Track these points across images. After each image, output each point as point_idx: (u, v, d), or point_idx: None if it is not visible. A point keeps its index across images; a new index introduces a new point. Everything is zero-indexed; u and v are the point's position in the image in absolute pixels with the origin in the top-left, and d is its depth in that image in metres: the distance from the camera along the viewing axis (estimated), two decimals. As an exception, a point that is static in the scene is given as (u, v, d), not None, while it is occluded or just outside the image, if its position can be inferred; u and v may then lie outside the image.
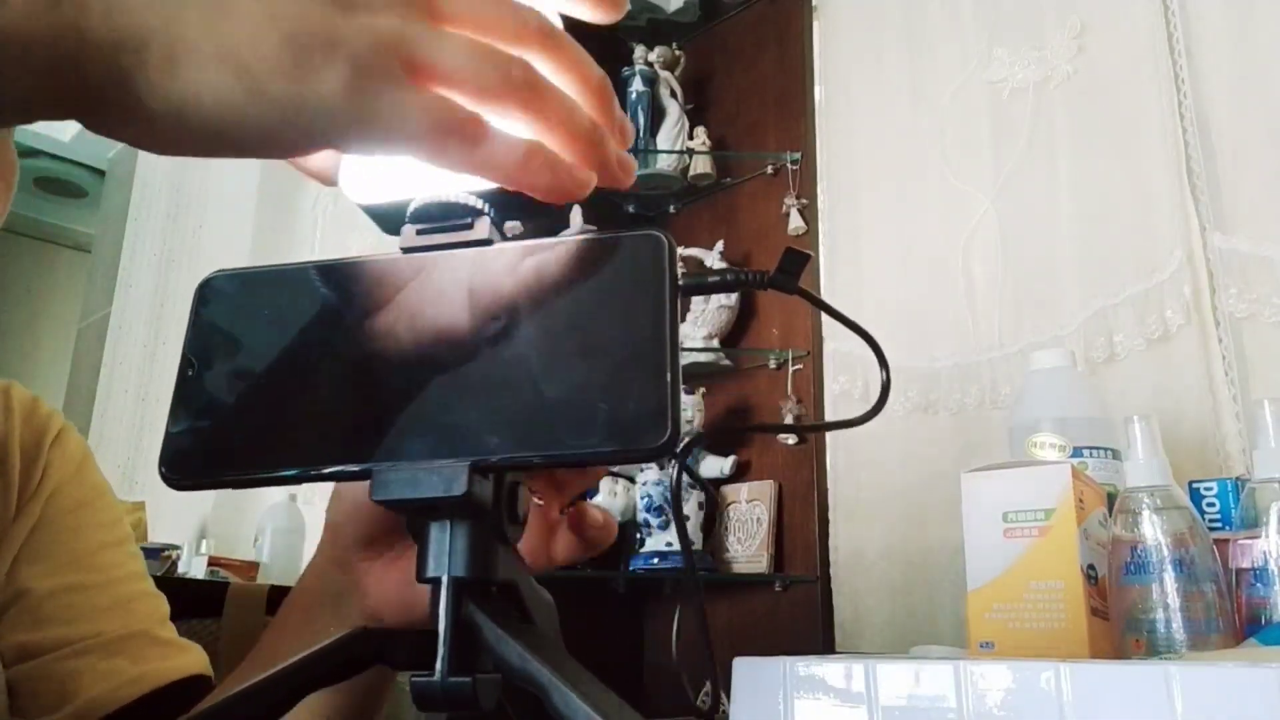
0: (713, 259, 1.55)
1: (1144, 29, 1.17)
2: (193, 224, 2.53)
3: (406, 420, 0.29)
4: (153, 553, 1.48)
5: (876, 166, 1.44)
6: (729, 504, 1.49)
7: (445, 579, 0.29)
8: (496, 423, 0.28)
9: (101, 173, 3.12)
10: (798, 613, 1.38)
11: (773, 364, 1.48)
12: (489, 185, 0.31)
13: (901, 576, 1.28)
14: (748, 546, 1.44)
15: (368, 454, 0.29)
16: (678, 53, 1.70)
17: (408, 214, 0.32)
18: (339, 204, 2.32)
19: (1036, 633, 0.69)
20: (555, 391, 0.28)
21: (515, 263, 0.30)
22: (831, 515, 1.38)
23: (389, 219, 0.33)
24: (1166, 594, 0.69)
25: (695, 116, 1.67)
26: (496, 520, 0.30)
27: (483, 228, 0.31)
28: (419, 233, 0.32)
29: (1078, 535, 0.71)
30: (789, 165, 1.54)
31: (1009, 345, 1.24)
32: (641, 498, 1.45)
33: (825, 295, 1.43)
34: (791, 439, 1.43)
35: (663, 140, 1.63)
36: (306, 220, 2.39)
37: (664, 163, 1.62)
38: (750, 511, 1.46)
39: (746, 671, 0.60)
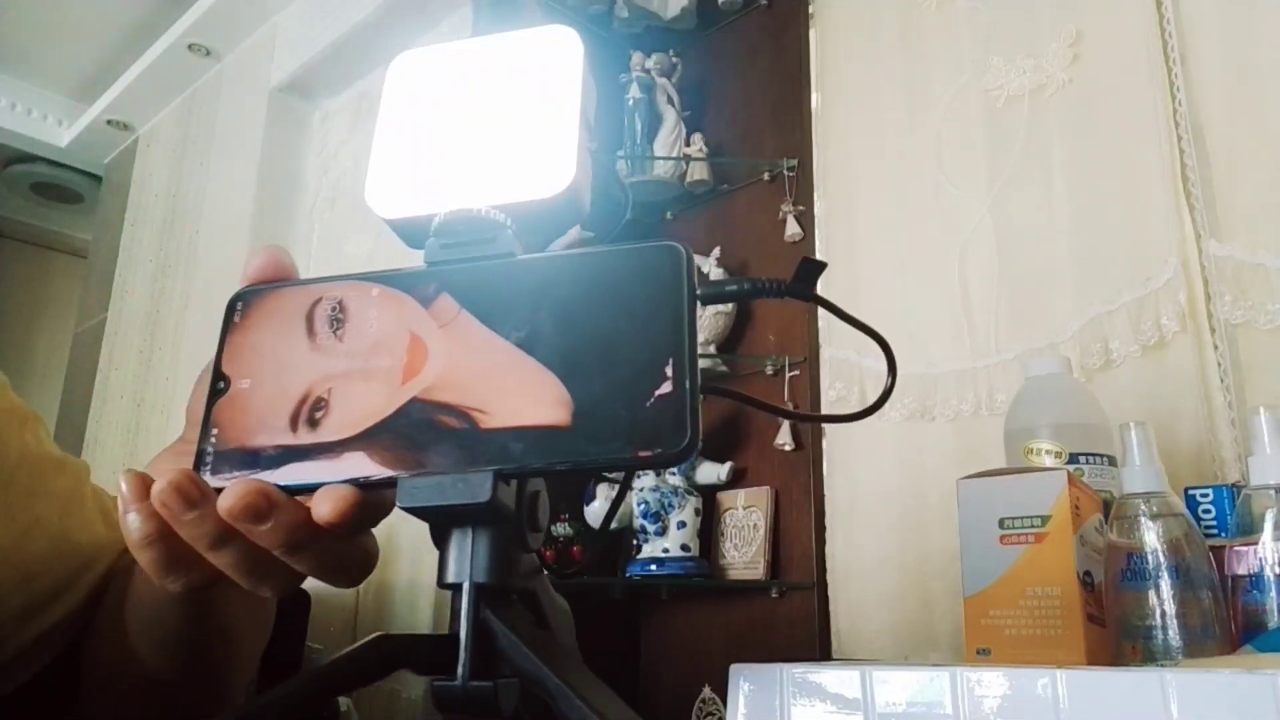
0: (709, 265, 1.55)
1: (1139, 37, 1.18)
2: (189, 230, 2.53)
3: (432, 429, 0.29)
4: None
5: (873, 173, 1.45)
6: (725, 510, 1.49)
7: (467, 585, 0.30)
8: (520, 431, 0.29)
9: (98, 178, 3.12)
10: (795, 619, 1.38)
11: (769, 370, 1.48)
12: (512, 199, 0.32)
13: (898, 583, 1.28)
14: (744, 553, 1.44)
15: (395, 462, 0.29)
16: (675, 59, 1.71)
17: (432, 228, 0.33)
18: (335, 210, 2.32)
19: (1033, 639, 0.69)
20: (578, 398, 0.29)
21: (537, 274, 0.31)
22: (828, 521, 1.38)
23: (413, 233, 0.34)
24: (1163, 601, 0.69)
25: (692, 123, 1.68)
26: (518, 527, 0.30)
27: (505, 241, 0.32)
28: (443, 246, 0.33)
29: (1074, 542, 0.71)
30: (786, 172, 1.55)
31: (1005, 352, 1.24)
32: (638, 504, 1.45)
33: (822, 302, 1.43)
34: (789, 446, 1.43)
35: (659, 147, 1.63)
36: (303, 227, 2.39)
37: (661, 169, 1.62)
38: (747, 518, 1.46)
39: (744, 678, 0.60)
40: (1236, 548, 0.71)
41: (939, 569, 1.22)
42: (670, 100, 1.66)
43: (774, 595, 1.40)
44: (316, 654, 1.58)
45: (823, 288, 1.30)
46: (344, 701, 1.51)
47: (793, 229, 1.50)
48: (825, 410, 1.40)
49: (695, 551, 1.45)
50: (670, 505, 1.44)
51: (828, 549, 1.37)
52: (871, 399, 1.58)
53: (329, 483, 0.30)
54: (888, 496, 1.32)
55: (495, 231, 0.32)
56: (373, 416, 0.30)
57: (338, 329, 0.32)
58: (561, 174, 0.32)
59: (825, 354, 1.43)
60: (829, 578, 1.35)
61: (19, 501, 0.49)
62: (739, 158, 1.65)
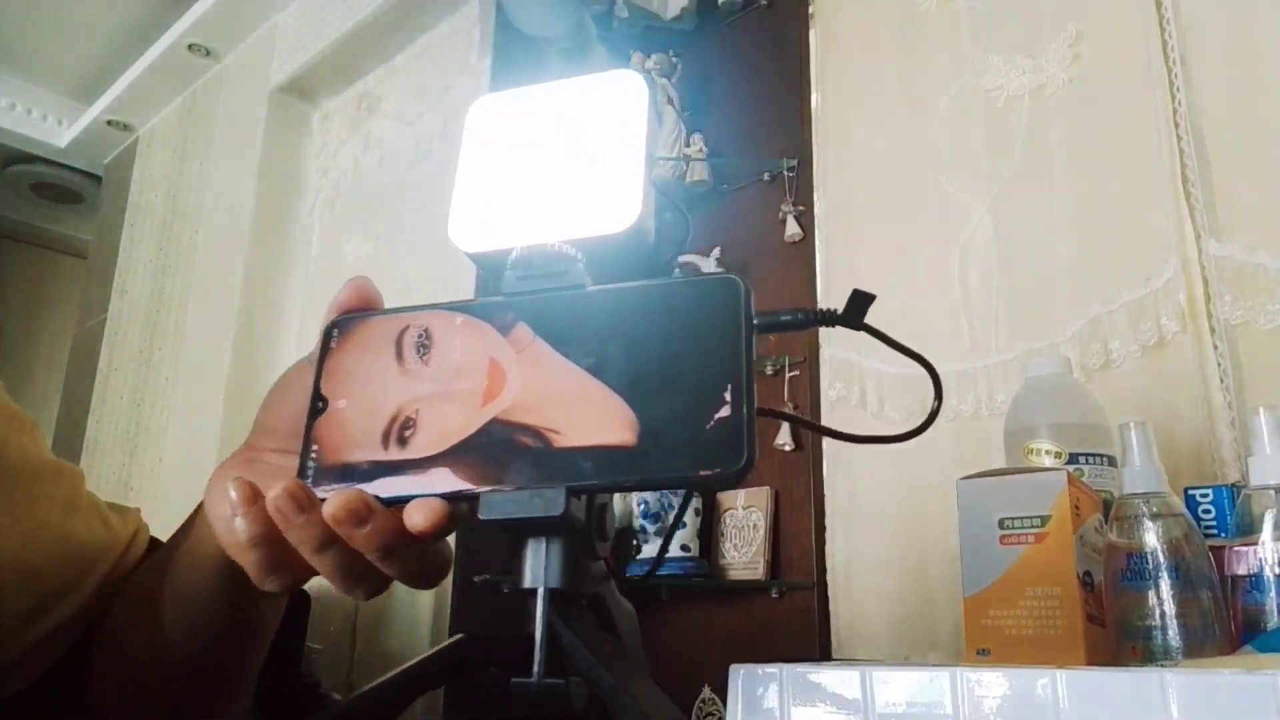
0: (709, 265, 1.55)
1: (1139, 37, 1.18)
2: (189, 230, 2.53)
3: (510, 447, 0.32)
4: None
5: (873, 173, 1.45)
6: (725, 510, 1.49)
7: (541, 590, 0.32)
8: (590, 450, 0.31)
9: (98, 178, 3.12)
10: (795, 619, 1.38)
11: (769, 370, 1.48)
12: (582, 234, 0.36)
13: (898, 583, 1.28)
14: (744, 553, 1.44)
15: (476, 477, 0.32)
16: (675, 59, 1.71)
17: (509, 261, 0.36)
18: (335, 210, 2.32)
19: (1033, 639, 0.69)
20: (644, 420, 0.31)
21: (606, 305, 0.34)
22: (828, 522, 1.38)
23: (492, 265, 0.37)
24: (1163, 601, 0.69)
25: (692, 123, 1.68)
26: (587, 538, 0.34)
27: (576, 273, 0.35)
28: (519, 278, 0.35)
29: (1074, 542, 0.71)
30: (786, 172, 1.55)
31: (1005, 352, 1.24)
32: (638, 504, 1.45)
33: (822, 301, 1.43)
34: (789, 446, 1.43)
35: (659, 147, 1.63)
36: (303, 226, 2.39)
37: (661, 169, 1.62)
38: (747, 518, 1.46)
39: (744, 678, 0.60)
40: (1236, 548, 0.71)
41: (939, 569, 1.22)
42: (670, 100, 1.66)
43: (774, 595, 1.40)
44: (316, 654, 1.58)
45: (822, 287, 1.29)
46: (344, 701, 1.51)
47: (793, 229, 1.51)
48: (825, 411, 1.40)
49: (695, 551, 1.45)
50: (670, 505, 1.44)
51: (828, 549, 1.37)
52: (871, 399, 1.57)
53: (419, 495, 0.32)
54: (888, 496, 1.32)
55: (567, 265, 0.35)
56: (456, 435, 0.33)
57: (424, 354, 0.35)
58: (628, 211, 0.35)
59: (825, 354, 1.42)
60: (829, 578, 1.35)
61: (21, 504, 0.49)
62: (739, 158, 1.65)
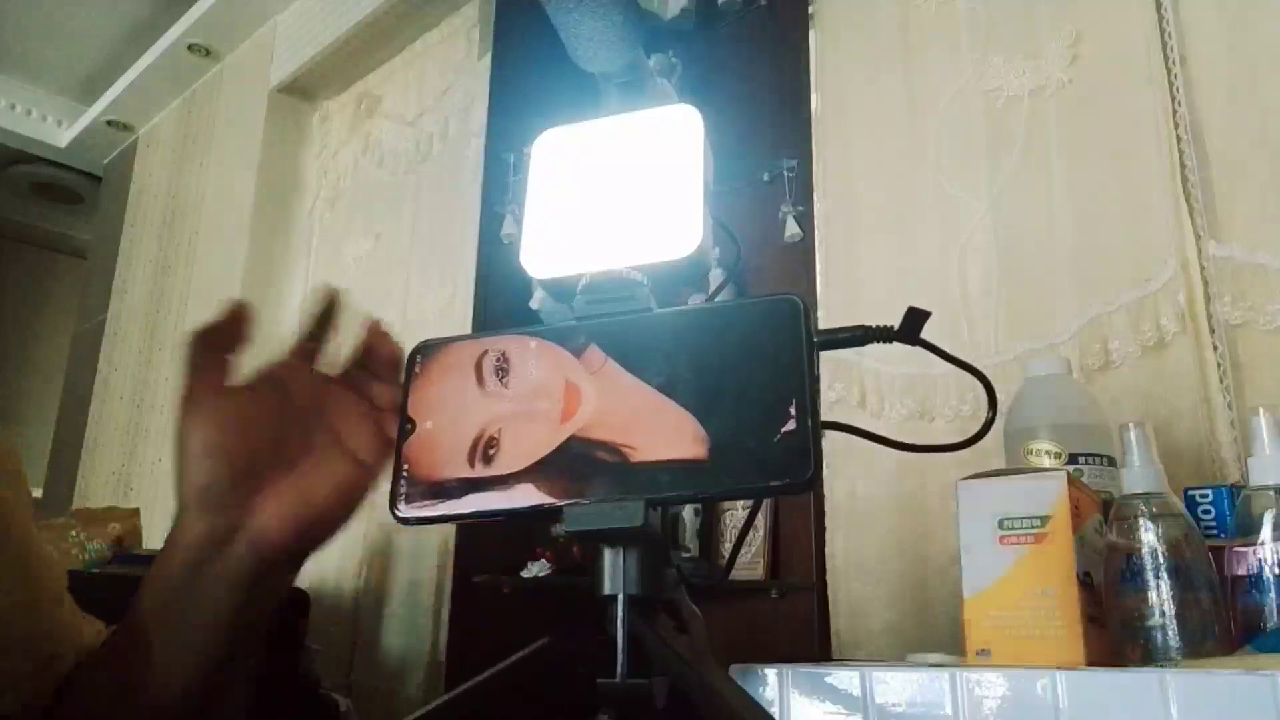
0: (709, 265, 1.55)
1: (1139, 37, 1.18)
2: (188, 230, 2.53)
3: (589, 463, 0.34)
4: (148, 560, 1.48)
5: (873, 173, 1.45)
6: (725, 511, 1.49)
7: (621, 596, 0.34)
8: (665, 464, 0.33)
9: (98, 179, 3.12)
10: (794, 620, 1.38)
11: (769, 370, 1.48)
12: (647, 260, 0.38)
13: (898, 583, 1.28)
14: (744, 553, 1.44)
15: (559, 492, 0.34)
16: (675, 60, 1.71)
17: (579, 287, 0.38)
18: (335, 210, 2.32)
19: (1033, 640, 0.69)
20: (714, 435, 0.33)
21: (673, 326, 0.36)
22: (828, 522, 1.38)
23: (563, 290, 0.39)
24: (1162, 601, 0.69)
25: (692, 123, 1.67)
26: (664, 547, 0.35)
27: (643, 297, 0.37)
28: (589, 303, 0.38)
29: (1073, 542, 0.71)
30: (785, 172, 1.54)
31: (1004, 353, 1.24)
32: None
33: (822, 302, 1.43)
34: (788, 445, 1.43)
35: (659, 147, 1.63)
36: (302, 227, 2.39)
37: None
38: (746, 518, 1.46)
39: (744, 679, 0.60)
40: (1236, 548, 0.71)
41: (939, 569, 1.22)
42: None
43: (774, 596, 1.40)
44: (316, 654, 1.58)
45: (822, 287, 1.29)
46: (344, 702, 1.51)
47: (792, 229, 1.50)
48: (824, 411, 1.40)
49: (695, 552, 1.44)
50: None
51: (828, 549, 1.36)
52: (870, 399, 1.56)
53: (506, 509, 0.35)
54: (888, 496, 1.31)
55: (633, 289, 0.37)
56: (538, 452, 0.35)
57: (503, 377, 0.37)
58: (690, 238, 0.37)
59: (823, 354, 1.42)
60: (829, 578, 1.35)
61: (22, 581, 0.49)
62: (739, 158, 1.64)
